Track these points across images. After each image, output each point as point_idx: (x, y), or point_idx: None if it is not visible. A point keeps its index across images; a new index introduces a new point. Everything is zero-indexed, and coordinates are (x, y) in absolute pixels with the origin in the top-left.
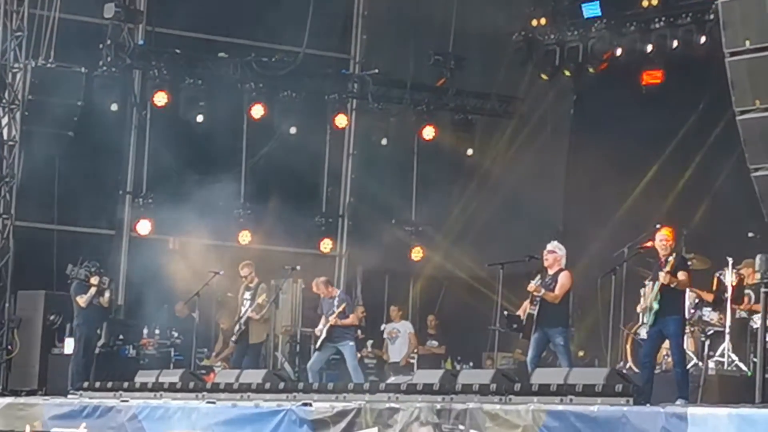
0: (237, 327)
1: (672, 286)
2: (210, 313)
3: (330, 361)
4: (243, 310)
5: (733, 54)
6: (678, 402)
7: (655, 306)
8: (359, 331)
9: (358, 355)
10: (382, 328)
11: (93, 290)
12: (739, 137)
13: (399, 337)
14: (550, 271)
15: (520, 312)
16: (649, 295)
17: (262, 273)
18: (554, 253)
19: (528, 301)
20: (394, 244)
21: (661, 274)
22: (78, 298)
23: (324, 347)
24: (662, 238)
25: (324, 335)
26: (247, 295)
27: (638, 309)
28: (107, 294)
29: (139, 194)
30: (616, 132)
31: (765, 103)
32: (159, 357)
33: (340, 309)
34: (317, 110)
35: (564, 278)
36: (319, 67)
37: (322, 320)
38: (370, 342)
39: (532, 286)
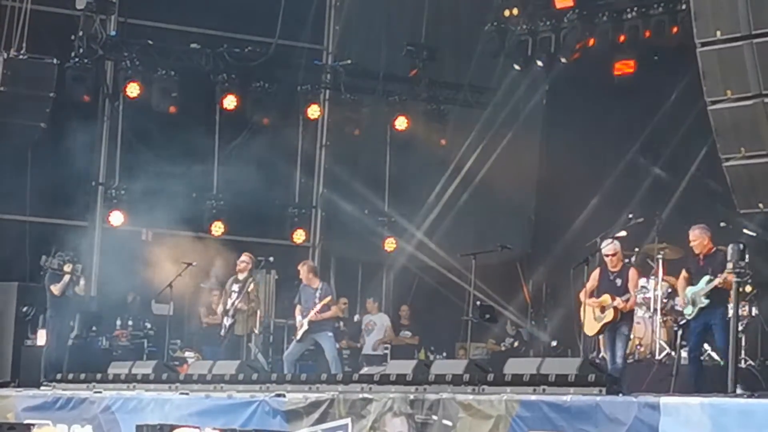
0: (225, 320)
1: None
2: (183, 304)
3: (304, 352)
4: (230, 302)
5: (704, 44)
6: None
7: (705, 301)
8: (341, 323)
9: (337, 345)
10: (356, 319)
11: (67, 278)
12: (711, 127)
13: (375, 329)
14: (614, 270)
15: (589, 316)
16: (689, 289)
17: (234, 265)
18: (617, 251)
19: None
20: (367, 234)
21: (725, 275)
22: (52, 287)
23: (304, 338)
24: (694, 238)
25: (306, 327)
26: (236, 287)
27: (679, 304)
28: (82, 282)
29: (112, 185)
30: (588, 122)
31: (736, 93)
32: (132, 348)
33: (325, 302)
34: (290, 101)
35: (634, 276)
36: (292, 57)
37: (298, 309)
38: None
39: (620, 304)
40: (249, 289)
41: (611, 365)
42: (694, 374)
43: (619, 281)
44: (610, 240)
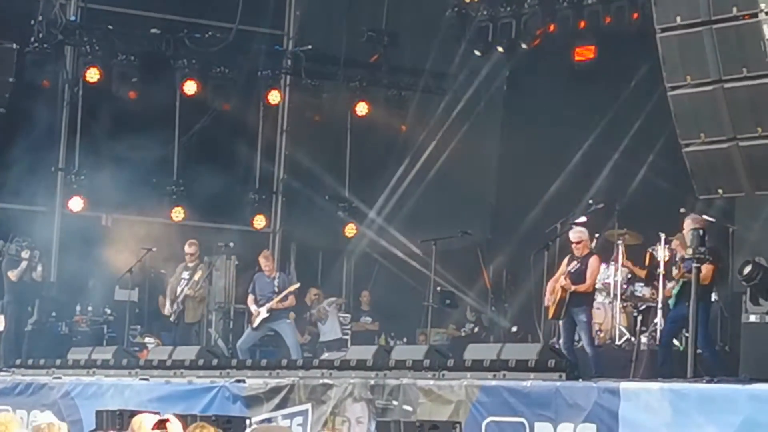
0: (175, 306)
1: None
2: (144, 289)
3: (263, 337)
4: (179, 289)
5: (664, 30)
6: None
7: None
8: (291, 313)
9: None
10: (317, 289)
11: (24, 264)
12: (671, 113)
13: (329, 316)
14: (579, 256)
15: (547, 298)
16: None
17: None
18: (582, 239)
19: (557, 285)
20: (327, 220)
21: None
22: (9, 273)
23: (261, 327)
24: (687, 227)
25: (265, 315)
26: (185, 274)
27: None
28: (39, 268)
29: (72, 171)
30: (549, 108)
31: (695, 78)
32: (92, 334)
33: (289, 290)
34: (250, 86)
35: (594, 264)
36: (252, 43)
37: (251, 299)
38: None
39: (563, 282)
40: (196, 278)
41: (567, 353)
42: (662, 360)
43: (581, 268)
44: (581, 228)
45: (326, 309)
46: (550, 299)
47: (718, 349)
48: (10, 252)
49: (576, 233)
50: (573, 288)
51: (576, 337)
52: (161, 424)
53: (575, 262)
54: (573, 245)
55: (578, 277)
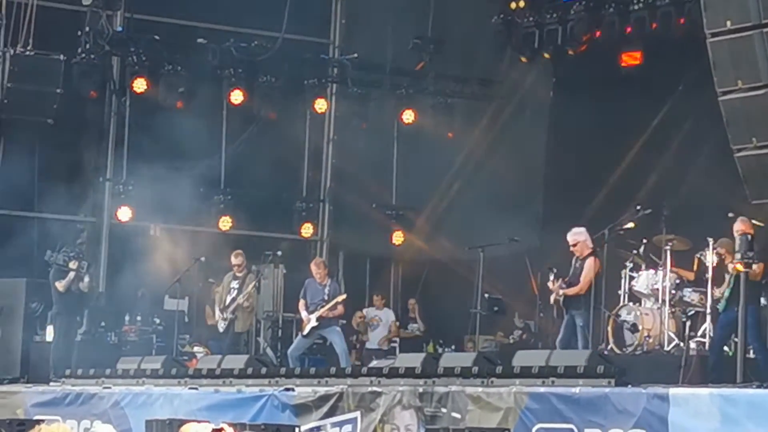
0: (225, 315)
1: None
2: (192, 299)
3: (311, 345)
4: (230, 299)
5: (714, 35)
6: None
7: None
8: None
9: None
10: (364, 312)
11: (72, 275)
12: (718, 118)
13: (380, 325)
14: (579, 258)
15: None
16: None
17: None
18: (578, 241)
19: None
20: (375, 228)
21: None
22: (57, 284)
23: (311, 334)
24: (738, 229)
25: (315, 323)
26: (235, 284)
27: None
28: (87, 279)
29: (120, 181)
30: (595, 113)
31: (747, 83)
32: (141, 343)
33: (338, 300)
34: (297, 95)
35: (588, 267)
36: (299, 52)
37: (302, 304)
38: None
39: (552, 285)
40: (249, 288)
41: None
42: (713, 366)
43: (579, 270)
44: (578, 229)
45: (379, 318)
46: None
47: None
48: (58, 262)
49: (571, 235)
50: (562, 292)
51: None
52: None
53: (577, 265)
54: (571, 248)
55: (577, 279)
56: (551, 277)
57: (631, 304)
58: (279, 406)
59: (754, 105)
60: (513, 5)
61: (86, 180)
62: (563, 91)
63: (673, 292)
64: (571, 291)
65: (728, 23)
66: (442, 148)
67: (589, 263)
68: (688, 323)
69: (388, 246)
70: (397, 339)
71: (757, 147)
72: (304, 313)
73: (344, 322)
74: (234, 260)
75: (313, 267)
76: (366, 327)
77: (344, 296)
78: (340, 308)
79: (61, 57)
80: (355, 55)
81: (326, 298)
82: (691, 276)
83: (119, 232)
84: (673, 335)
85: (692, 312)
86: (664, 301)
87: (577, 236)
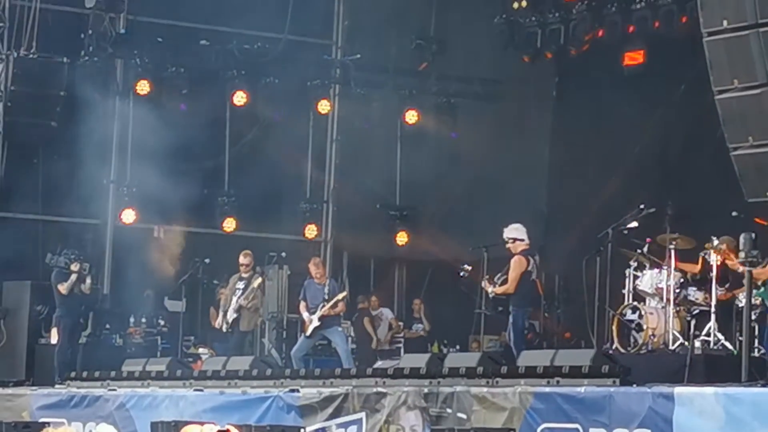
0: (228, 315)
1: None
2: (197, 300)
3: (316, 346)
4: (234, 299)
5: (710, 33)
6: None
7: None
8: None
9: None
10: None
11: (74, 277)
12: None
13: (381, 325)
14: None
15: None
16: None
17: None
18: (513, 238)
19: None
20: (378, 228)
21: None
22: (59, 286)
23: (313, 335)
24: None
25: (317, 323)
26: (240, 284)
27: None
28: (88, 280)
29: (123, 183)
30: (598, 113)
31: (743, 82)
32: (146, 345)
33: (338, 298)
34: (300, 96)
35: (513, 265)
36: (301, 53)
37: (303, 306)
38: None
39: (485, 285)
40: (255, 285)
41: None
42: None
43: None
44: (515, 225)
45: (379, 317)
46: None
47: None
48: (59, 265)
49: (507, 231)
50: (491, 290)
51: None
52: None
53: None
54: (507, 245)
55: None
56: (485, 282)
57: (635, 303)
58: (284, 407)
59: (750, 104)
60: (515, 5)
61: (90, 182)
62: (566, 90)
63: (678, 291)
64: (499, 290)
65: (725, 23)
66: (446, 149)
67: (515, 261)
68: (692, 322)
69: (392, 246)
70: (402, 338)
71: (753, 146)
72: (305, 314)
73: (347, 322)
74: (242, 260)
75: (311, 267)
76: (374, 328)
77: (345, 293)
78: (341, 306)
79: (65, 60)
80: (358, 55)
81: (326, 297)
82: (696, 269)
83: (123, 234)
84: (677, 334)
85: (697, 311)
86: (668, 300)
87: (514, 233)
